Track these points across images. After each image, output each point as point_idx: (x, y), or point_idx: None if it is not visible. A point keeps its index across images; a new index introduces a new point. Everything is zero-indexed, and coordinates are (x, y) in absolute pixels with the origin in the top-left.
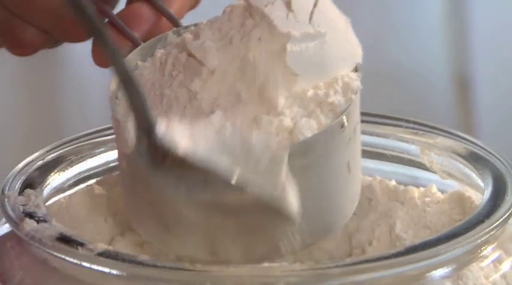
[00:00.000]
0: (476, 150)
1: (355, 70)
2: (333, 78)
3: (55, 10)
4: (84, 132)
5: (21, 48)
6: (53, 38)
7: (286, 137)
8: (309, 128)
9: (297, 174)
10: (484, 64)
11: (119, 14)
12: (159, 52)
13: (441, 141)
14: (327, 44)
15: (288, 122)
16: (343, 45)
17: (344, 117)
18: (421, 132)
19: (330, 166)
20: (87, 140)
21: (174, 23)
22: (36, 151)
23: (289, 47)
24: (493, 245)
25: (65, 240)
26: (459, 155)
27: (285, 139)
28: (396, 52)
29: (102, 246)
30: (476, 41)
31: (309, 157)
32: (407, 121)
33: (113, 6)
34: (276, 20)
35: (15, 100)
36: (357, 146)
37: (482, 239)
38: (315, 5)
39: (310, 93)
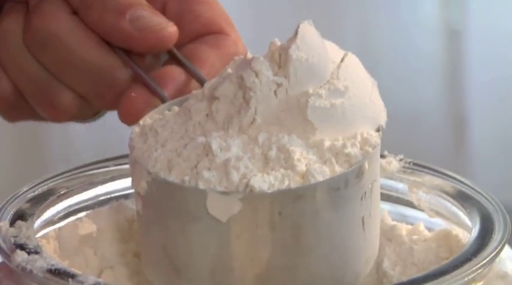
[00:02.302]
0: (464, 189)
1: (377, 130)
2: (353, 134)
3: (91, 72)
4: (75, 166)
5: (55, 112)
6: (89, 105)
7: (298, 180)
8: (321, 173)
9: (308, 220)
10: (480, 105)
11: (152, 74)
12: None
13: (429, 179)
14: (351, 100)
15: (301, 167)
16: (368, 104)
17: (357, 169)
18: (409, 170)
19: (342, 217)
20: (77, 174)
21: (203, 84)
22: (22, 185)
23: (311, 100)
24: (480, 284)
25: (56, 272)
26: (447, 194)
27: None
28: (394, 93)
29: (92, 278)
30: (472, 82)
31: (319, 202)
32: (399, 160)
33: (147, 69)
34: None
35: (3, 130)
36: (373, 205)
37: (469, 277)
38: (342, 60)
39: (327, 143)
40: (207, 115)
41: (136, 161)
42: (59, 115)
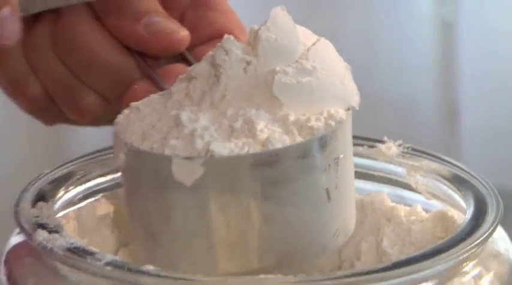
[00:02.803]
0: (459, 173)
1: (347, 110)
2: (320, 111)
3: (111, 73)
4: (92, 151)
5: (80, 113)
6: (110, 107)
7: (258, 147)
8: (280, 141)
9: (268, 185)
10: (471, 95)
11: (158, 70)
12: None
13: (426, 163)
14: (319, 80)
15: (262, 136)
16: (338, 86)
17: (317, 140)
18: (407, 155)
19: (303, 185)
20: (95, 158)
21: None
22: (44, 168)
23: (277, 77)
24: (474, 262)
25: (75, 250)
26: (443, 177)
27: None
28: (392, 83)
29: (109, 256)
30: (464, 73)
31: (279, 168)
32: (397, 145)
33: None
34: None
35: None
36: (341, 179)
37: (464, 256)
38: (314, 44)
39: (292, 117)
40: (186, 94)
41: (117, 135)
42: (84, 116)
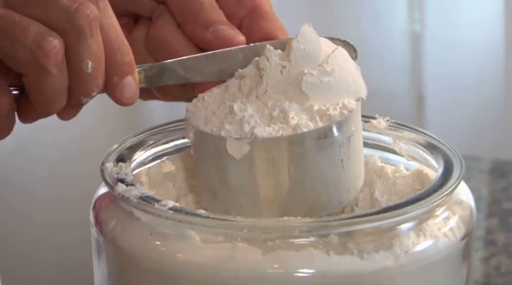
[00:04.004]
0: (432, 141)
1: (357, 100)
2: (337, 102)
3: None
4: (159, 124)
5: (165, 94)
6: (187, 90)
7: (290, 131)
8: (306, 126)
9: (297, 159)
10: (434, 86)
11: None
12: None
13: (407, 134)
14: (336, 78)
15: (293, 122)
16: (350, 82)
17: (334, 125)
18: (393, 128)
19: (324, 158)
20: (161, 130)
21: None
22: (124, 136)
23: (305, 77)
24: (444, 208)
25: (145, 198)
26: (420, 144)
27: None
28: (376, 78)
29: (171, 203)
30: (429, 69)
31: (305, 146)
32: (386, 120)
33: None
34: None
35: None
36: (352, 152)
37: (436, 203)
38: (333, 51)
39: (316, 107)
40: (238, 88)
41: (187, 119)
42: (168, 96)
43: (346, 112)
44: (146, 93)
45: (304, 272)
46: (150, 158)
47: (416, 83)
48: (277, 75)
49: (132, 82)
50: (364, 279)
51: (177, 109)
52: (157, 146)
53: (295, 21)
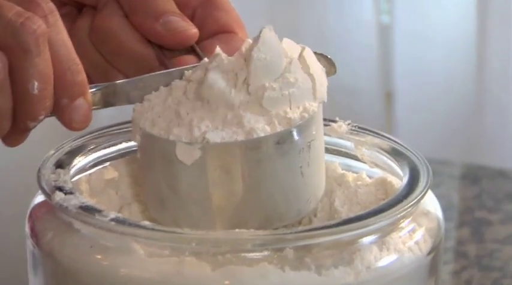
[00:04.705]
0: (397, 147)
1: (319, 103)
2: (298, 106)
3: (135, 60)
4: (101, 126)
5: None
6: None
7: (245, 135)
8: (263, 130)
9: (253, 165)
10: (404, 83)
11: (173, 60)
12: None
13: (370, 139)
14: (300, 88)
15: (248, 126)
16: (316, 87)
17: (294, 129)
18: (355, 132)
19: (282, 165)
20: (103, 133)
21: None
22: (62, 140)
23: (266, 94)
24: (409, 219)
25: (86, 208)
26: (384, 150)
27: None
28: (341, 73)
29: (114, 213)
30: (398, 65)
31: (262, 152)
32: (347, 124)
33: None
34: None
35: None
36: (313, 158)
37: (401, 214)
38: (300, 54)
39: (274, 112)
40: (184, 92)
41: (134, 120)
42: None
43: (306, 115)
44: None
45: None
46: (91, 164)
47: (384, 79)
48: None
49: (83, 104)
50: None
51: (122, 109)
52: (98, 150)
53: (255, 12)
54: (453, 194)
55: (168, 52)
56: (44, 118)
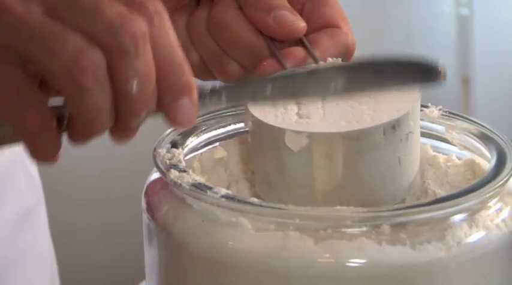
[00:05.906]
0: (485, 131)
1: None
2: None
3: (247, 50)
4: (212, 110)
5: (225, 76)
6: (247, 73)
7: (348, 126)
8: (365, 121)
9: (355, 154)
10: (483, 68)
11: (282, 51)
12: None
13: (460, 123)
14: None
15: (352, 118)
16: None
17: (394, 122)
18: (446, 117)
19: (381, 154)
20: (214, 115)
21: (316, 61)
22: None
23: None
24: (496, 199)
25: (197, 185)
26: (472, 134)
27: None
28: None
29: (224, 190)
30: (477, 50)
31: (363, 143)
32: (439, 109)
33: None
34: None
35: None
36: (409, 148)
37: (489, 194)
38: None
39: (377, 104)
40: None
41: (247, 108)
42: (228, 78)
43: (406, 108)
44: (205, 73)
45: (355, 261)
46: (203, 144)
47: (462, 65)
48: None
49: (187, 104)
50: (415, 270)
51: None
52: (209, 131)
53: (347, 7)
54: None
55: (278, 43)
56: (147, 116)
